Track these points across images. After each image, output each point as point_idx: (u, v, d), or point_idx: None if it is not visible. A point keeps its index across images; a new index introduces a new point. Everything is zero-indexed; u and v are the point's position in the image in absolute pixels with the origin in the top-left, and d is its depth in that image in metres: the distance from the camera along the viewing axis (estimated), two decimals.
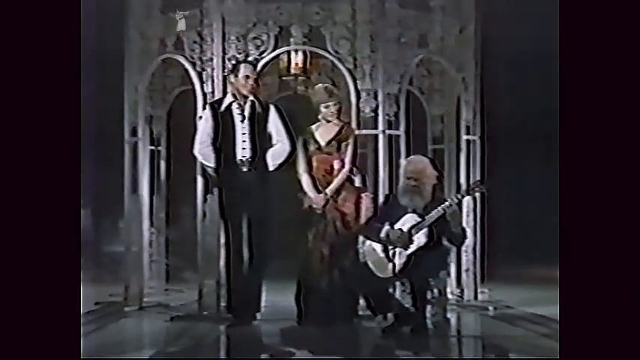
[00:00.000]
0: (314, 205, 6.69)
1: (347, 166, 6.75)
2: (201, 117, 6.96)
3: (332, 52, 7.18)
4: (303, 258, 6.73)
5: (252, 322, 6.68)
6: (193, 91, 7.32)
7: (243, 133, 6.68)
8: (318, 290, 6.65)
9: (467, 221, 7.49)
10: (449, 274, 7.09)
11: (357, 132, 6.94)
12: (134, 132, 7.72)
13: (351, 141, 6.77)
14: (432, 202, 6.26)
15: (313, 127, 6.83)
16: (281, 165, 6.72)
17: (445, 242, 6.33)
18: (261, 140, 6.69)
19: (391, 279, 6.30)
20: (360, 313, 6.70)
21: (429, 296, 6.28)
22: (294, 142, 6.74)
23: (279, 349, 5.92)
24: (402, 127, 7.25)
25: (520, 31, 9.79)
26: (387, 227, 6.26)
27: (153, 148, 8.02)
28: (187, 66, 7.33)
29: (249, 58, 7.07)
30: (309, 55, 7.99)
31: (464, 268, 7.73)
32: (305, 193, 6.73)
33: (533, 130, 10.93)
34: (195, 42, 7.29)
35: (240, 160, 6.66)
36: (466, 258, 7.72)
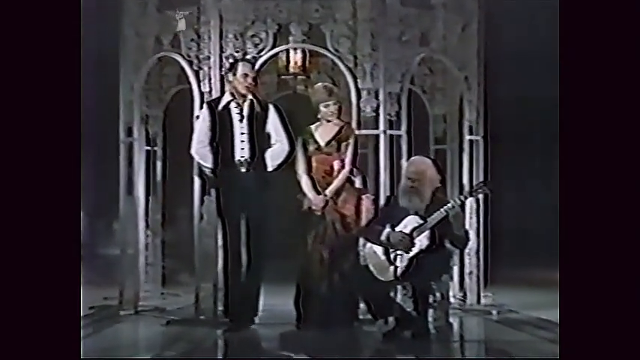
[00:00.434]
0: (313, 207, 6.65)
1: (347, 167, 6.71)
2: (198, 116, 6.93)
3: (332, 50, 7.14)
4: (303, 260, 6.70)
5: (250, 327, 6.64)
6: (190, 90, 7.27)
7: (242, 133, 6.63)
8: (318, 294, 6.62)
9: (470, 223, 7.44)
10: (451, 278, 7.09)
11: (357, 132, 6.91)
12: (130, 132, 7.68)
13: (351, 141, 6.74)
14: (434, 203, 6.21)
15: (313, 126, 6.80)
16: (280, 165, 6.69)
17: (448, 245, 6.28)
18: (259, 140, 6.64)
19: (392, 282, 6.26)
20: (361, 317, 6.67)
21: (430, 300, 6.24)
22: (293, 142, 6.71)
23: (277, 353, 5.94)
24: (404, 127, 7.21)
25: (524, 28, 9.77)
26: (388, 229, 6.22)
27: (149, 148, 7.97)
28: (184, 64, 7.28)
29: (248, 57, 7.01)
30: (308, 54, 7.98)
31: (467, 271, 7.69)
32: (304, 195, 6.70)
33: (537, 130, 10.88)
34: (192, 40, 7.24)
35: (239, 160, 6.61)
36: (469, 261, 7.67)
